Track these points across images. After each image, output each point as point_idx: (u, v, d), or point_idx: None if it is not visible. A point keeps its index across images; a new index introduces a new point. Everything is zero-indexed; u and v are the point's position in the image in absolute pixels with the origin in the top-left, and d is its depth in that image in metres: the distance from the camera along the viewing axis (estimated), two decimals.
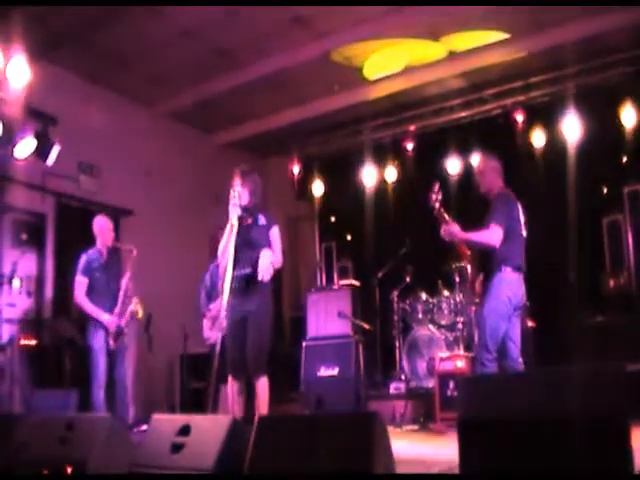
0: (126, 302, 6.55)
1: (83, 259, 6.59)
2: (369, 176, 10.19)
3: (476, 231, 5.39)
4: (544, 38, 8.01)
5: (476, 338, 7.46)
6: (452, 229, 5.32)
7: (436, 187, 5.37)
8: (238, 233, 5.16)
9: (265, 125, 10.14)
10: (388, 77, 9.08)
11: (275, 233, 5.43)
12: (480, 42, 8.23)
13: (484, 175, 5.65)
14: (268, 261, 5.16)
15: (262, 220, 5.40)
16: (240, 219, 5.23)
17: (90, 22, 7.35)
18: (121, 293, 6.53)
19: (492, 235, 5.27)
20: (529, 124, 8.87)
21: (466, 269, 6.02)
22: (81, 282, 6.53)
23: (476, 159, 5.83)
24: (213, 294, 7.20)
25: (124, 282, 6.57)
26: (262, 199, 5.58)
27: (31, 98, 6.84)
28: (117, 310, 6.47)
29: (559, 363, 6.52)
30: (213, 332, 7.02)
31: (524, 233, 5.49)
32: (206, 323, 7.17)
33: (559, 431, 2.49)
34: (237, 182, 5.34)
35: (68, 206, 8.32)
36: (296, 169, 10.67)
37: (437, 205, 5.33)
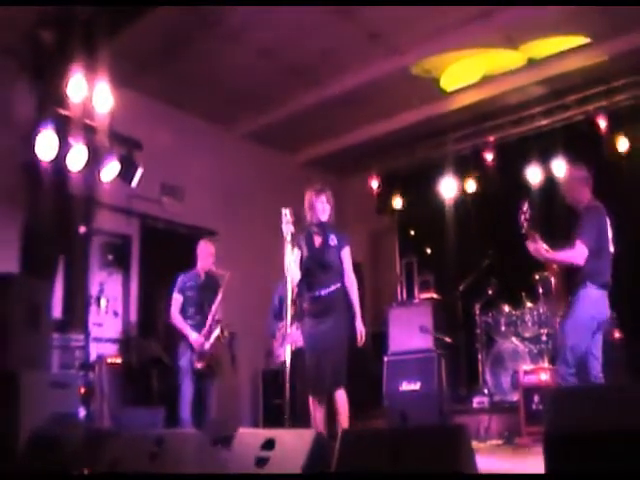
0: (214, 325, 6.69)
1: (180, 278, 6.86)
2: (449, 188, 10.09)
3: (562, 249, 5.30)
4: (625, 41, 7.83)
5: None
6: (538, 247, 5.25)
7: (525, 206, 5.30)
8: (310, 253, 5.29)
9: (344, 142, 10.20)
10: (467, 88, 9.02)
11: (347, 254, 5.48)
12: (559, 48, 8.09)
13: (570, 186, 5.54)
14: (360, 323, 5.33)
15: (334, 240, 5.43)
16: (311, 236, 5.36)
17: (170, 48, 7.57)
18: (210, 316, 6.67)
19: (577, 254, 5.17)
20: (613, 129, 8.61)
21: (550, 280, 5.89)
22: (177, 299, 6.80)
23: (559, 167, 5.70)
24: (282, 313, 7.27)
25: (214, 305, 6.71)
26: (337, 218, 5.62)
27: (116, 124, 7.06)
28: (205, 331, 6.61)
29: None
30: (283, 349, 7.10)
31: (612, 249, 5.34)
32: (275, 343, 7.25)
33: None
34: (309, 200, 5.46)
35: (153, 227, 8.54)
36: (375, 184, 10.66)
37: (526, 224, 5.26)
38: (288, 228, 5.27)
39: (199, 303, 6.78)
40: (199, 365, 6.52)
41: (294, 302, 7.02)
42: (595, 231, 5.23)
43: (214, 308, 6.71)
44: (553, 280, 5.71)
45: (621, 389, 2.88)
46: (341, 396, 5.24)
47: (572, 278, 5.28)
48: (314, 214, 5.37)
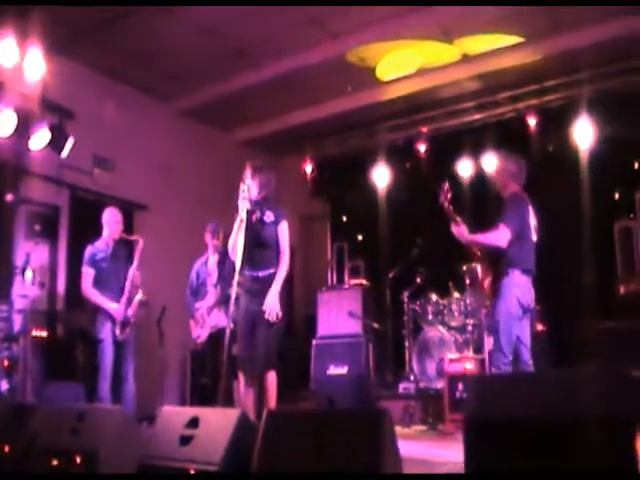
0: (133, 292, 6.58)
1: (88, 250, 6.61)
2: (382, 177, 10.20)
3: (485, 232, 5.42)
4: (559, 42, 8.00)
5: (486, 342, 7.47)
6: (460, 230, 5.37)
7: (445, 186, 5.41)
8: (247, 229, 5.17)
9: (281, 124, 10.16)
10: (402, 78, 9.09)
11: (283, 229, 5.42)
12: (494, 45, 8.23)
13: (498, 175, 5.75)
14: (275, 299, 5.20)
15: (270, 217, 5.39)
16: (249, 214, 5.24)
17: (107, 18, 7.40)
18: (127, 283, 6.56)
19: (499, 236, 5.29)
20: (542, 128, 8.84)
21: (476, 270, 6.02)
22: (87, 273, 6.55)
23: (490, 162, 5.85)
24: (200, 291, 7.24)
25: (130, 272, 6.60)
26: (276, 196, 5.57)
27: (48, 92, 6.89)
28: (124, 300, 6.50)
29: (568, 366, 6.54)
30: (203, 330, 7.08)
31: (534, 237, 5.49)
32: (193, 322, 7.21)
33: (565, 432, 2.50)
34: (247, 175, 5.38)
35: (83, 199, 8.36)
36: (309, 168, 10.69)
37: (446, 204, 5.38)
38: (244, 204, 5.18)
39: (113, 273, 6.58)
40: (122, 334, 6.41)
41: (215, 286, 7.04)
42: (518, 218, 5.37)
43: (131, 274, 6.58)
44: (479, 269, 5.82)
45: (539, 378, 2.97)
46: (271, 378, 5.24)
47: (496, 267, 5.41)
48: (249, 191, 5.32)
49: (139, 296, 6.56)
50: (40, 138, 6.99)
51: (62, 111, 7.34)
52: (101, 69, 8.49)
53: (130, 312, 6.49)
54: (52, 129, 7.06)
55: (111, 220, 6.70)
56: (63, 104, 7.40)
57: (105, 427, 3.67)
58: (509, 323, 5.23)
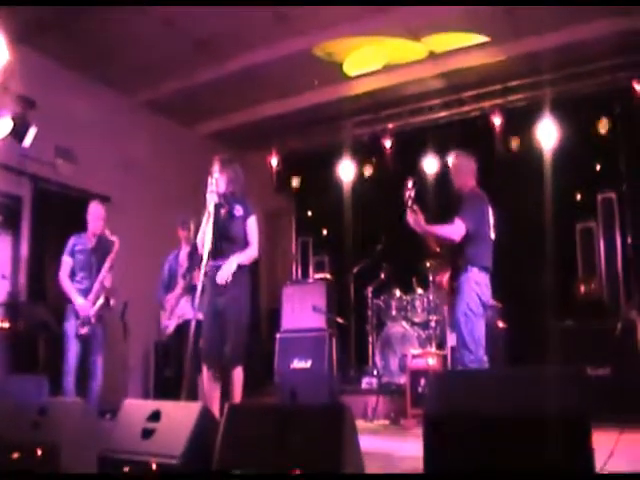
0: (100, 291, 6.56)
1: (71, 240, 6.66)
2: (347, 172, 10.24)
3: (437, 225, 5.48)
4: (522, 44, 8.10)
5: (449, 338, 7.56)
6: (417, 218, 5.39)
7: (410, 183, 5.44)
8: (215, 223, 5.18)
9: (245, 118, 10.11)
10: (368, 74, 9.10)
11: (252, 223, 5.44)
12: (460, 44, 8.28)
13: (458, 172, 5.75)
14: (231, 267, 5.19)
15: (239, 211, 5.39)
16: (217, 207, 5.24)
17: (72, 10, 7.31)
18: (96, 283, 6.54)
19: (454, 229, 5.35)
20: (506, 127, 8.93)
21: (436, 267, 6.04)
22: (66, 262, 6.60)
23: (451, 156, 5.89)
24: (171, 284, 7.24)
25: (102, 272, 6.58)
26: (243, 190, 5.57)
27: (10, 81, 6.80)
28: (90, 297, 6.48)
29: (528, 364, 6.64)
30: (171, 321, 7.09)
31: (492, 235, 5.55)
32: (163, 313, 7.22)
33: (522, 430, 2.55)
34: (215, 169, 5.36)
35: (45, 190, 8.27)
36: (274, 162, 10.69)
37: (410, 202, 5.40)
38: (212, 197, 5.19)
39: (88, 267, 6.59)
40: (83, 331, 6.39)
41: (184, 276, 7.03)
42: (476, 215, 5.43)
43: (102, 273, 6.56)
44: (436, 265, 5.82)
45: (498, 376, 3.03)
46: (238, 374, 5.23)
47: (455, 264, 5.46)
48: (217, 185, 5.31)
49: (101, 301, 6.53)
50: (1, 127, 6.90)
51: (24, 101, 7.25)
52: (64, 60, 8.37)
53: (92, 311, 6.46)
54: (14, 118, 6.97)
55: (91, 215, 6.71)
56: (25, 94, 7.30)
57: (66, 421, 3.67)
58: (471, 319, 5.27)
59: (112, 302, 6.65)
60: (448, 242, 5.43)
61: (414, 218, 5.40)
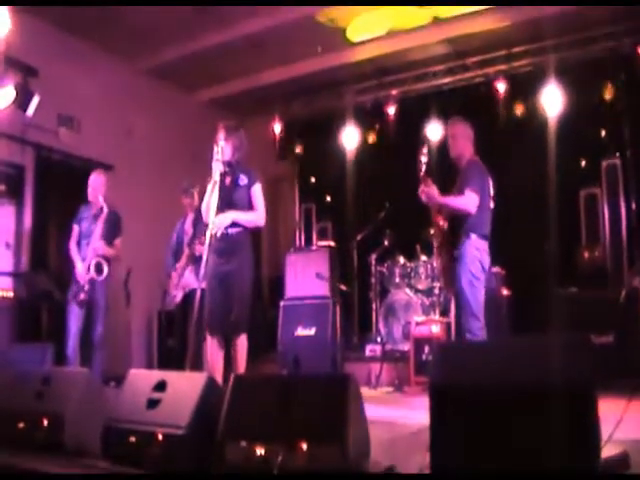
0: (91, 259, 6.60)
1: (81, 209, 6.87)
2: (350, 139, 10.18)
3: (450, 196, 5.44)
4: (527, 10, 7.97)
5: (452, 305, 7.55)
6: (431, 191, 5.36)
7: (424, 150, 5.39)
8: (220, 191, 5.15)
9: (248, 84, 10.04)
10: (371, 40, 9.01)
11: (257, 191, 5.41)
12: (464, 9, 8.18)
13: (456, 140, 5.67)
14: (225, 220, 5.18)
15: (243, 180, 5.37)
16: (222, 176, 5.21)
17: None
18: (90, 250, 6.59)
19: (469, 201, 5.32)
20: (511, 94, 8.86)
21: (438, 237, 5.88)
22: (74, 229, 6.80)
23: (449, 122, 5.82)
24: (179, 252, 7.24)
25: (92, 239, 6.62)
26: (246, 158, 5.54)
27: (12, 49, 6.73)
28: (85, 264, 6.56)
29: (533, 331, 6.65)
30: (179, 290, 7.09)
31: (492, 205, 5.53)
32: (170, 282, 7.23)
33: (528, 399, 2.55)
34: (221, 137, 5.32)
35: (48, 159, 8.24)
36: (277, 129, 10.63)
37: (424, 168, 5.36)
38: (217, 166, 5.16)
39: (88, 235, 6.71)
40: (80, 297, 6.44)
41: (189, 244, 7.02)
42: (482, 185, 5.41)
43: (93, 240, 6.62)
44: (440, 238, 5.75)
45: (503, 345, 3.02)
46: (242, 342, 5.25)
47: (455, 234, 5.44)
48: (223, 153, 5.26)
49: (92, 266, 6.56)
50: (5, 96, 6.86)
51: (26, 69, 7.19)
52: (65, 27, 8.29)
53: (86, 278, 6.50)
54: (17, 87, 6.92)
55: (90, 185, 6.83)
56: (27, 62, 7.24)
57: (71, 390, 3.68)
58: (476, 286, 5.29)
59: (105, 270, 6.65)
60: (463, 214, 5.38)
61: (427, 191, 5.36)
